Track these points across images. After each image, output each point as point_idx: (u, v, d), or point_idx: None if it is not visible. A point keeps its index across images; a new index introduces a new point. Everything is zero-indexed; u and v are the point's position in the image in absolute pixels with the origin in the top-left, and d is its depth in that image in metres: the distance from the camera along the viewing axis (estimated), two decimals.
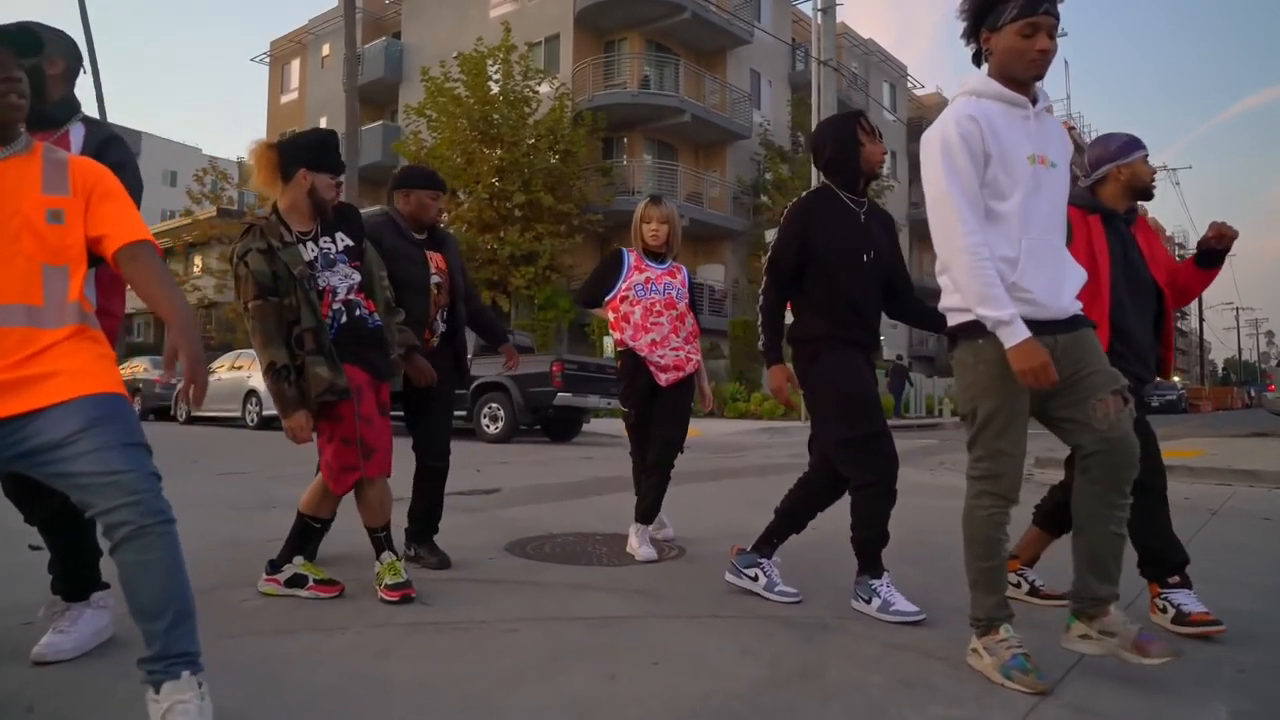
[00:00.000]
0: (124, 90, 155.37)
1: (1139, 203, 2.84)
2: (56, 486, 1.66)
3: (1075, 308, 2.13)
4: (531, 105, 19.85)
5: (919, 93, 36.45)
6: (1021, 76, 2.07)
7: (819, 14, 16.22)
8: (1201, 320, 57.17)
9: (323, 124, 28.95)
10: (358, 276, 2.72)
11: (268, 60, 32.23)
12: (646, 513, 3.49)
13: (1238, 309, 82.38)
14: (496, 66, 19.76)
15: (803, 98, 23.11)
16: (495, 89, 19.70)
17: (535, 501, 5.05)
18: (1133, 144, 2.73)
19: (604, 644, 2.32)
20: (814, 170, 15.04)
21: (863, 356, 2.73)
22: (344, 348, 2.62)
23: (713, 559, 3.45)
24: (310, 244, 2.66)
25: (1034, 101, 2.11)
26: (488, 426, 10.96)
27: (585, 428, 12.23)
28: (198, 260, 29.16)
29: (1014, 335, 1.96)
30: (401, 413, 3.26)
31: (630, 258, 3.62)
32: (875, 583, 2.66)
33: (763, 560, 2.88)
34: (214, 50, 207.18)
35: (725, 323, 21.64)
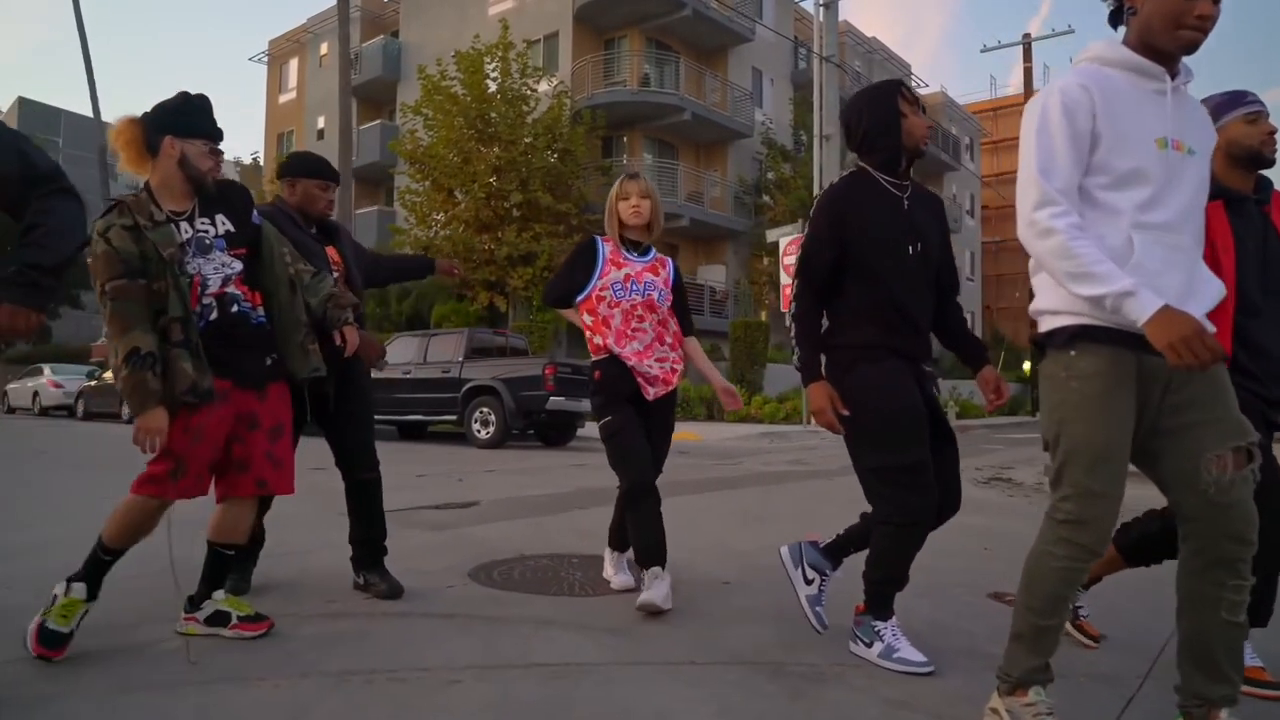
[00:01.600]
0: (122, 90, 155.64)
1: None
2: None
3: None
4: (530, 103, 19.55)
5: (923, 92, 36.08)
6: (1168, 47, 1.69)
7: (821, 9, 15.91)
8: None
9: (321, 123, 28.70)
10: (238, 266, 2.37)
11: (266, 59, 31.99)
12: (648, 551, 2.75)
13: None
14: (494, 64, 19.47)
15: (805, 96, 22.77)
16: (493, 87, 19.41)
17: (512, 517, 4.72)
18: (1228, 102, 2.22)
19: (557, 701, 1.99)
20: (820, 157, 14.31)
21: (909, 369, 2.30)
22: (208, 349, 2.27)
23: (701, 588, 3.12)
24: (185, 224, 2.31)
25: (1173, 76, 1.73)
26: (479, 431, 10.64)
27: (580, 432, 11.91)
28: None
29: (1144, 306, 1.53)
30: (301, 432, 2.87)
31: (605, 248, 2.98)
32: (880, 625, 2.32)
33: (879, 624, 2.35)
34: (212, 50, 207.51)
35: (726, 324, 21.27)
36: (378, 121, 26.16)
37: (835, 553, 2.57)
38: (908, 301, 2.31)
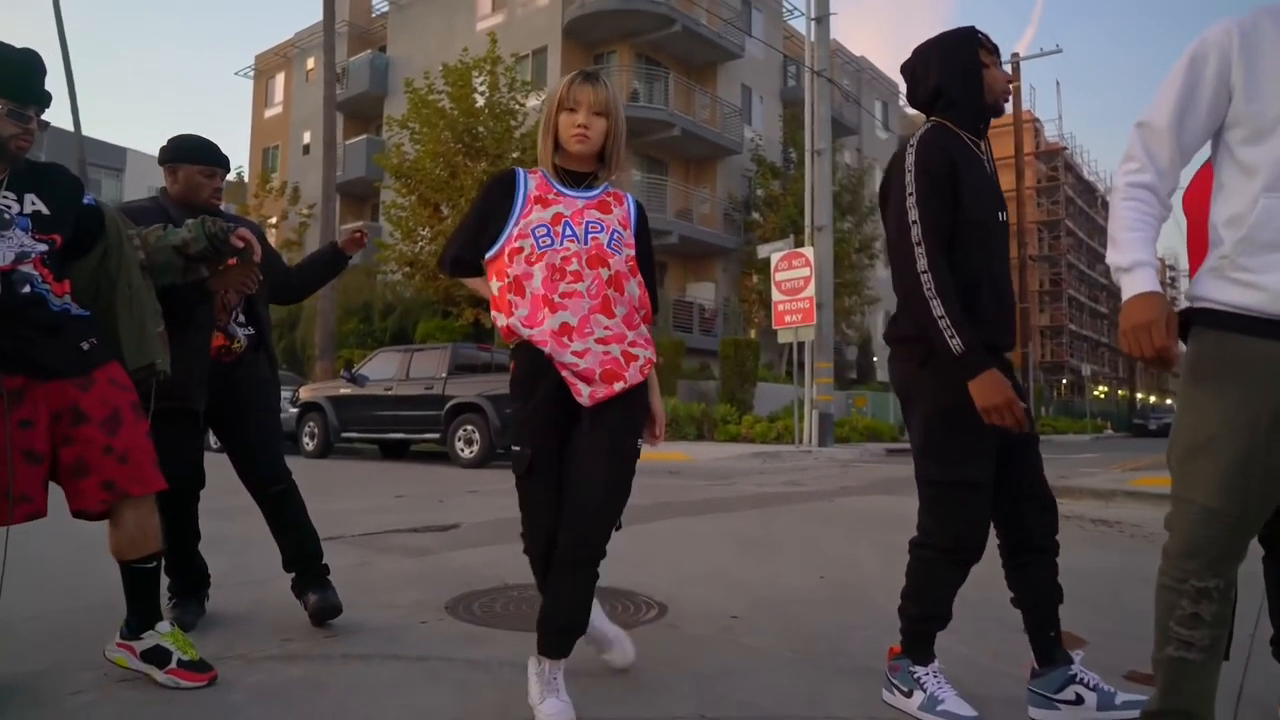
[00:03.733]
0: (107, 106, 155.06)
1: None
2: None
3: None
4: (518, 118, 19.34)
5: (910, 112, 36.23)
6: None
7: (813, 24, 15.83)
8: None
9: (307, 138, 28.41)
10: (41, 248, 2.01)
11: (252, 74, 31.74)
12: (554, 639, 1.95)
13: None
14: (483, 79, 19.27)
15: (795, 113, 22.69)
16: (481, 101, 19.20)
17: (495, 541, 4.37)
18: None
19: None
20: (812, 172, 14.20)
21: (997, 364, 1.88)
22: None
23: (705, 624, 2.80)
24: None
25: None
26: (462, 450, 10.27)
27: None
28: None
29: (1131, 286, 1.47)
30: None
31: (530, 181, 2.00)
32: (920, 670, 2.00)
33: (918, 669, 2.02)
34: (197, 65, 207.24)
35: (716, 342, 21.01)
36: (364, 136, 25.94)
37: (913, 650, 2.06)
38: (1001, 277, 1.99)
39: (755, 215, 23.47)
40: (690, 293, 22.74)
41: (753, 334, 21.95)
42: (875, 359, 28.73)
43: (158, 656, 2.06)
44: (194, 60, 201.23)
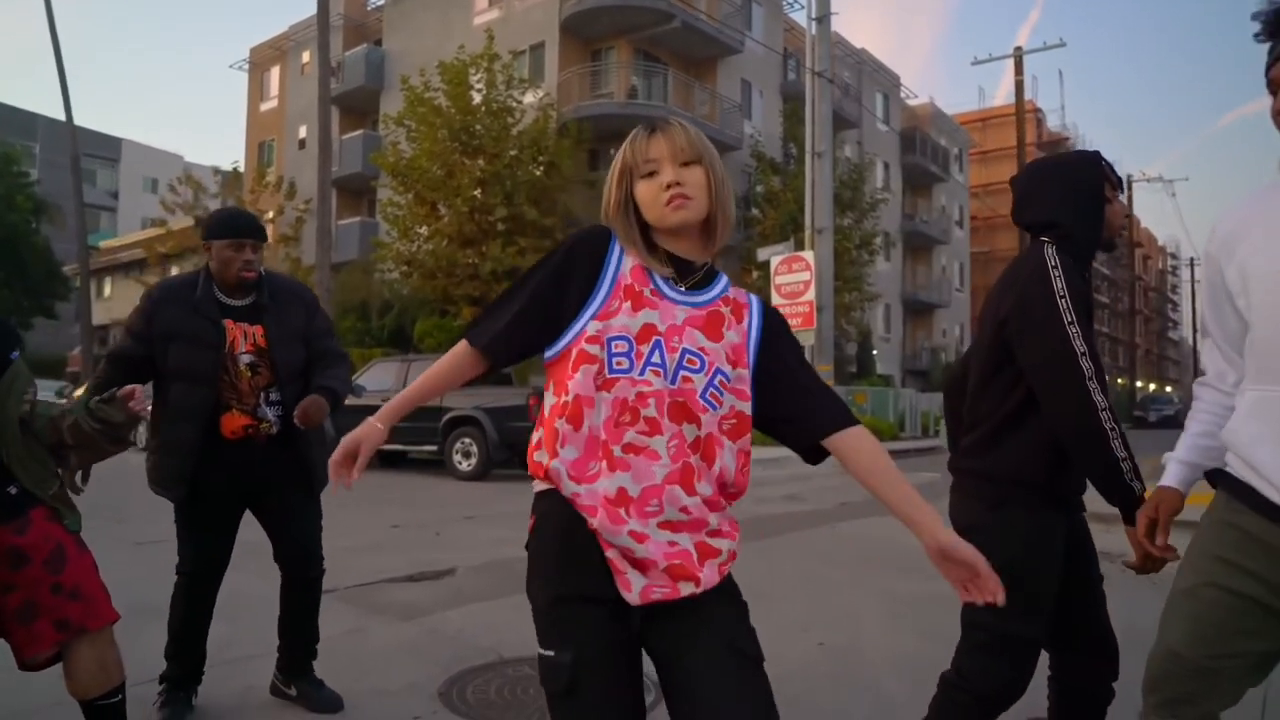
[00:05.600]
0: (102, 96, 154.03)
1: None
2: None
3: None
4: (515, 115, 19.18)
5: (912, 103, 36.00)
6: None
7: (814, 23, 15.63)
8: (1194, 329, 57.02)
9: (302, 133, 28.21)
10: None
11: (247, 67, 31.46)
12: None
13: None
14: (479, 75, 19.09)
15: (795, 108, 22.49)
16: (477, 98, 19.03)
17: (491, 595, 4.30)
18: None
19: None
20: (812, 175, 14.00)
21: (1064, 522, 1.88)
22: None
23: None
24: None
25: None
26: (460, 463, 10.21)
27: None
28: (174, 271, 28.39)
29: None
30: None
31: (625, 261, 1.40)
32: None
33: None
34: (193, 56, 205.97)
35: None
36: (360, 131, 25.73)
37: None
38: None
39: (755, 211, 23.32)
40: None
41: None
42: (875, 352, 28.68)
43: None
44: (189, 51, 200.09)
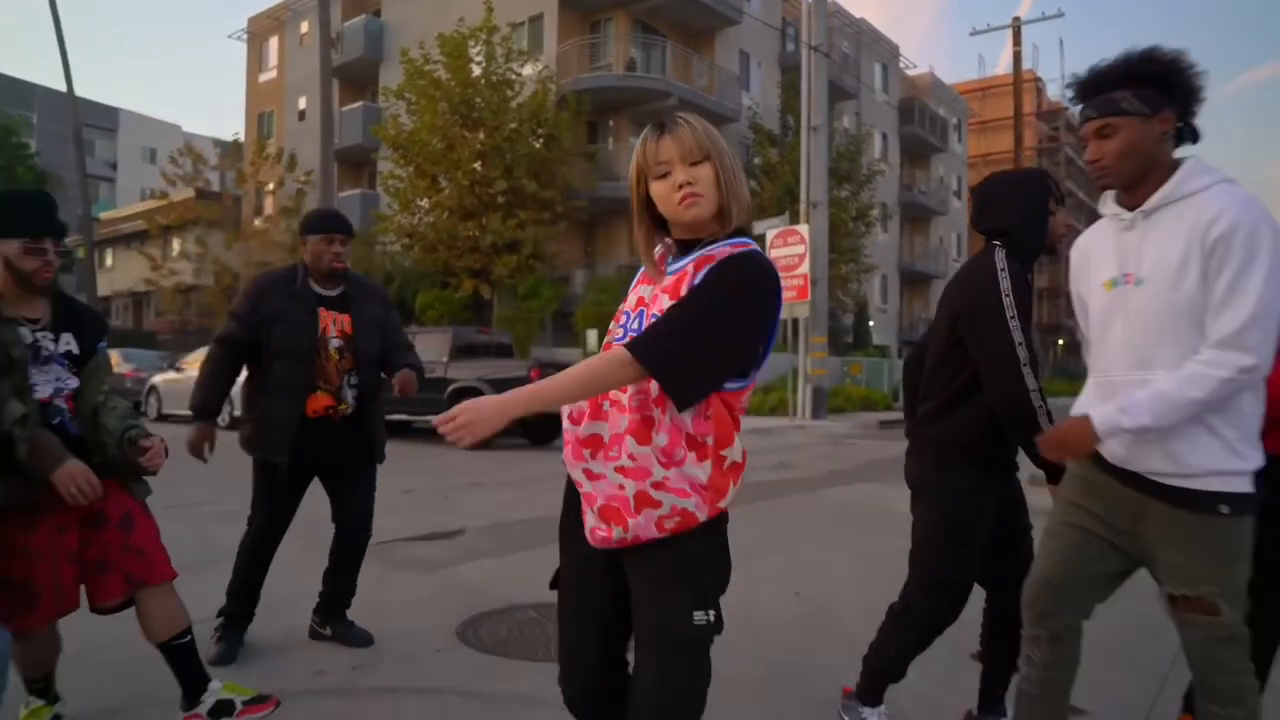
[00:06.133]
0: (99, 66, 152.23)
1: None
2: None
3: (1148, 463, 1.72)
4: (514, 88, 19.32)
5: (911, 73, 35.93)
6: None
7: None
8: None
9: (302, 104, 28.24)
10: (74, 384, 2.30)
11: (245, 37, 31.36)
12: None
13: None
14: (478, 48, 19.19)
15: (793, 80, 22.57)
16: (477, 71, 19.15)
17: (498, 552, 4.71)
18: None
19: None
20: (807, 148, 14.29)
21: (999, 483, 2.29)
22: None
23: None
24: (27, 330, 2.24)
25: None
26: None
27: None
28: (175, 243, 28.55)
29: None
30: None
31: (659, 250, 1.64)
32: (867, 711, 2.35)
33: (866, 710, 2.37)
34: (191, 25, 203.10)
35: None
36: (360, 103, 25.80)
37: (871, 693, 2.40)
38: None
39: (753, 184, 23.49)
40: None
41: None
42: (871, 324, 28.98)
43: (223, 709, 2.38)
44: (187, 19, 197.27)
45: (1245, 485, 1.68)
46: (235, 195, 27.61)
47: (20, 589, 2.14)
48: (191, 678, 2.40)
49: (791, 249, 14.84)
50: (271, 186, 27.40)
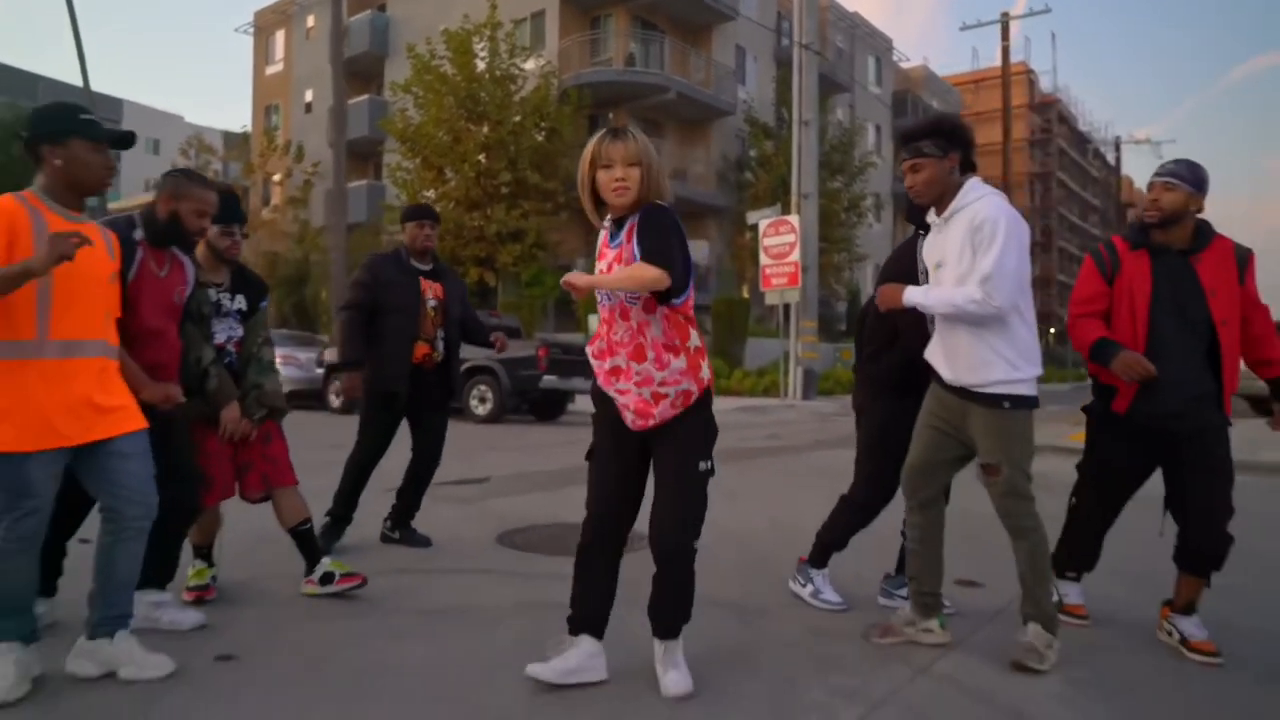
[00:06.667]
0: (100, 57, 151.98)
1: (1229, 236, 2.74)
2: (96, 490, 2.31)
3: (963, 379, 2.58)
4: (517, 83, 20.03)
5: (905, 66, 36.61)
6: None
7: None
8: None
9: (309, 96, 28.90)
10: (239, 333, 3.13)
11: (252, 31, 31.98)
12: (661, 625, 2.40)
13: None
14: (483, 44, 19.90)
15: (787, 74, 23.29)
16: (481, 66, 19.86)
17: (522, 492, 5.55)
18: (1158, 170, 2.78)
19: None
20: (799, 141, 15.13)
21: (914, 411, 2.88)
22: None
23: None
24: (213, 291, 3.05)
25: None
26: (476, 408, 11.43)
27: (570, 407, 12.73)
28: None
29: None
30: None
31: (600, 236, 2.38)
32: (815, 572, 3.17)
33: (814, 571, 3.19)
34: (196, 18, 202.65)
35: (709, 299, 22.07)
36: (365, 96, 26.42)
37: (819, 559, 3.20)
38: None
39: (748, 175, 24.25)
40: None
41: (744, 292, 22.97)
42: None
43: (327, 579, 3.18)
44: (193, 12, 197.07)
45: (1023, 389, 2.53)
46: (244, 186, 28.29)
47: (202, 477, 2.95)
48: (310, 554, 3.21)
49: (783, 238, 15.63)
50: (279, 178, 28.11)
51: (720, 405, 12.25)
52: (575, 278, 2.08)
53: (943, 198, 2.62)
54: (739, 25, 24.71)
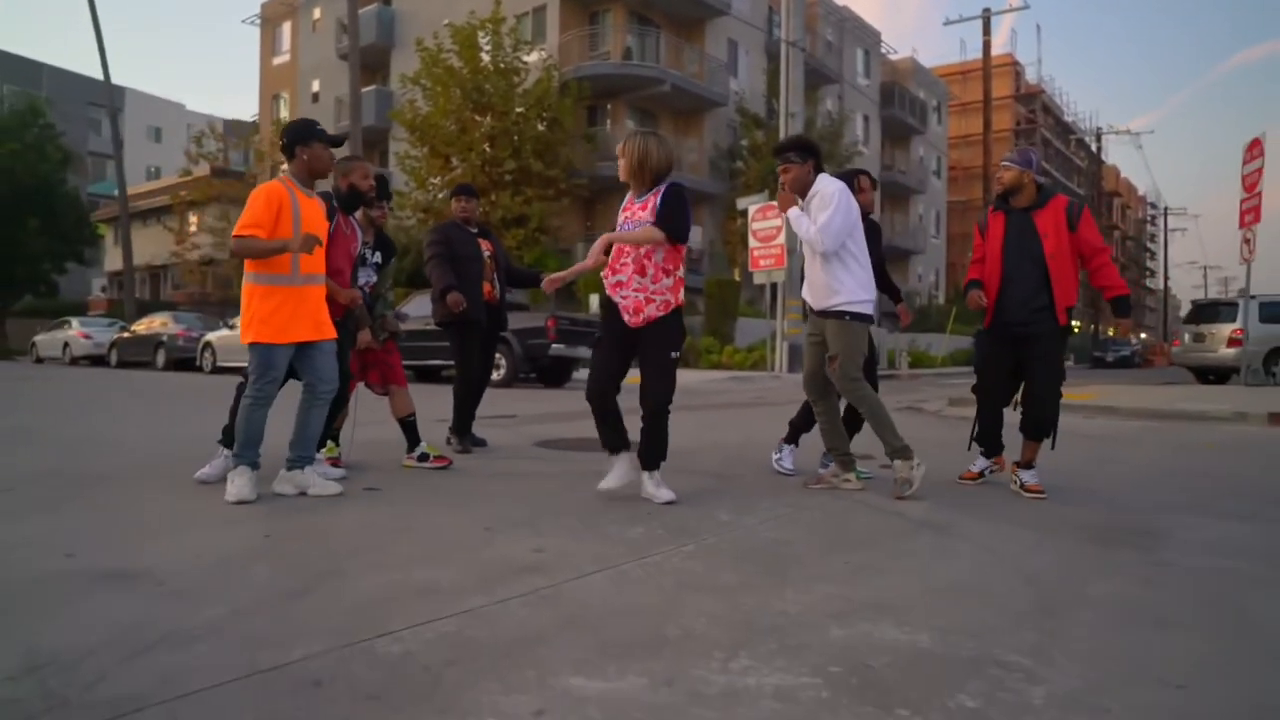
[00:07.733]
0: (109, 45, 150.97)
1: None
2: (303, 371, 3.50)
3: (821, 304, 3.85)
4: (520, 75, 21.09)
5: (893, 58, 37.70)
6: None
7: None
8: (1166, 279, 59.60)
9: (315, 86, 29.85)
10: (373, 278, 4.36)
11: (258, 22, 32.83)
12: (649, 459, 3.62)
13: (1205, 268, 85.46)
14: (487, 37, 20.94)
15: (778, 67, 24.36)
16: (486, 59, 20.91)
17: (549, 423, 6.76)
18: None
19: (614, 494, 4.04)
20: (787, 133, 16.35)
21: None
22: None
23: (674, 455, 5.19)
24: (362, 246, 4.24)
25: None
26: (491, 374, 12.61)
27: (576, 375, 13.92)
28: (193, 218, 30.02)
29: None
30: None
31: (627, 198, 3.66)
32: (786, 447, 4.42)
33: (786, 447, 4.46)
34: (202, 8, 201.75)
35: (701, 281, 23.25)
36: (372, 87, 27.38)
37: (791, 438, 4.48)
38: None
39: (739, 163, 25.36)
40: None
41: (735, 274, 24.14)
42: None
43: (423, 458, 4.38)
44: (188, 6, 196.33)
45: (859, 308, 3.76)
46: (254, 174, 29.25)
47: (349, 375, 4.16)
48: (413, 438, 4.42)
49: (770, 222, 16.79)
50: (285, 167, 29.03)
51: (711, 375, 13.89)
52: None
53: (805, 190, 3.81)
54: (731, 20, 25.77)
